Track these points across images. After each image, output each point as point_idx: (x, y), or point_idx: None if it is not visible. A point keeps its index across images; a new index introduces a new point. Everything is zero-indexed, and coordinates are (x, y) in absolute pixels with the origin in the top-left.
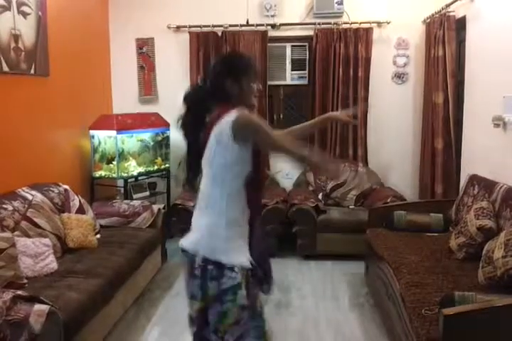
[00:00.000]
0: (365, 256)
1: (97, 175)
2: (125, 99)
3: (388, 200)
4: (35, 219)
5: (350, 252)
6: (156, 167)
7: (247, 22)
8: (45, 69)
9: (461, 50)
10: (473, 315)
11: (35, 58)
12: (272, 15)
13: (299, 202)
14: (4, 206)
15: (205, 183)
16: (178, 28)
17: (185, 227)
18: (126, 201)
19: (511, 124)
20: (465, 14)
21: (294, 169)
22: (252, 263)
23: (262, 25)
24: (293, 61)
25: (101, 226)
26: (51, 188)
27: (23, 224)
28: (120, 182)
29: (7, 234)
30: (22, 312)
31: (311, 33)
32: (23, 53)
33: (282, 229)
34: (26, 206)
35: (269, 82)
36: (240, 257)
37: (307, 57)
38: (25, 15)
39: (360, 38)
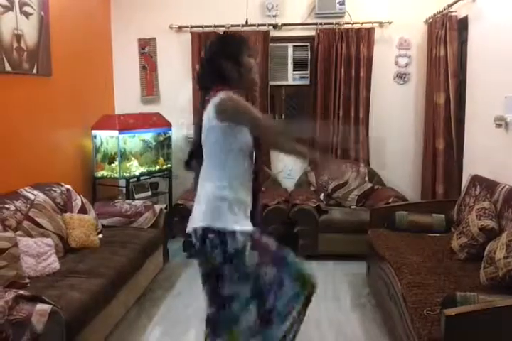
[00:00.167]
0: (367, 257)
1: (99, 175)
2: (127, 99)
3: (390, 201)
4: (38, 219)
5: (352, 252)
6: (158, 167)
7: (246, 22)
8: (47, 69)
9: (463, 50)
10: (475, 315)
11: (38, 58)
12: (274, 16)
13: (300, 202)
14: (6, 206)
15: (204, 162)
16: (180, 28)
17: (186, 227)
18: (128, 201)
19: None
20: (467, 14)
21: (296, 165)
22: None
23: (264, 25)
24: (295, 61)
25: (103, 226)
26: (53, 188)
27: (25, 223)
28: (122, 182)
29: (9, 234)
30: (24, 311)
31: (312, 33)
32: (25, 53)
33: (284, 230)
34: (28, 206)
35: (271, 82)
36: (241, 222)
37: (309, 58)
38: (27, 15)
39: (362, 38)
